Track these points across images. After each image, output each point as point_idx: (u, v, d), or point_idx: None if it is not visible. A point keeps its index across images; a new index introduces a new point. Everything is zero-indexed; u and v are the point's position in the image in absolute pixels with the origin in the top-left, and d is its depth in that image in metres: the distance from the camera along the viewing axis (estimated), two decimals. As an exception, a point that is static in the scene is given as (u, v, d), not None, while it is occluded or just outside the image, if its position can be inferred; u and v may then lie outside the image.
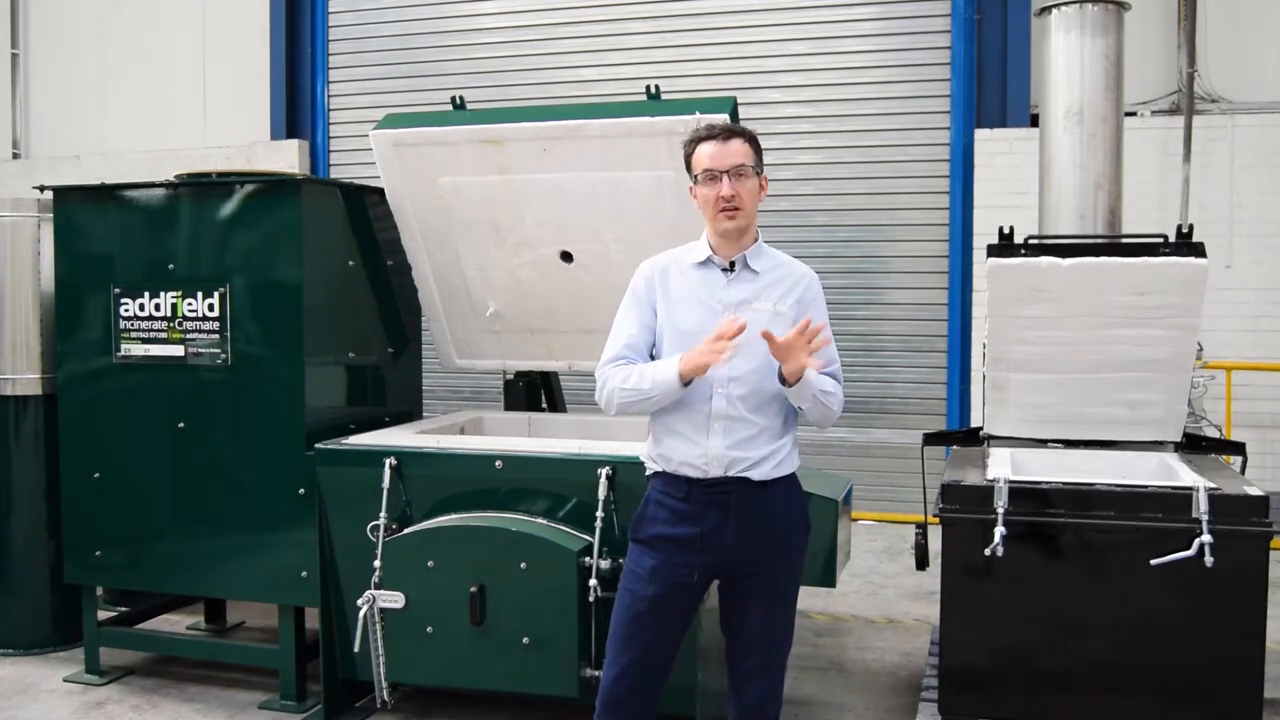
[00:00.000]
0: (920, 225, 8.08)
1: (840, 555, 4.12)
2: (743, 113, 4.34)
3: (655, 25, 8.54)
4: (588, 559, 3.78)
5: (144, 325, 4.55)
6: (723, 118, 4.07)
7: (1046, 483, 3.75)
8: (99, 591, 4.89)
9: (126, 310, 4.57)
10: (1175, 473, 3.88)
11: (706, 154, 3.04)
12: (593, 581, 3.73)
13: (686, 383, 2.96)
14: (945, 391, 8.08)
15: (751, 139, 3.09)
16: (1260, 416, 7.26)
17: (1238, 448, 4.42)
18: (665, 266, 3.16)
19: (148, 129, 9.93)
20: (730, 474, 3.00)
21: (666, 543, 3.06)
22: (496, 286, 4.89)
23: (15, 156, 10.46)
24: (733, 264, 3.09)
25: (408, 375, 5.15)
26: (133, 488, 4.60)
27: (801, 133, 8.30)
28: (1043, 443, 4.44)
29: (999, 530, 3.57)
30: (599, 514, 3.78)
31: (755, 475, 3.01)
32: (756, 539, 3.04)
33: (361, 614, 3.97)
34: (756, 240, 3.12)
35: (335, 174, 9.29)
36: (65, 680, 4.82)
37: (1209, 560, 3.41)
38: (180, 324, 4.49)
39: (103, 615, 4.93)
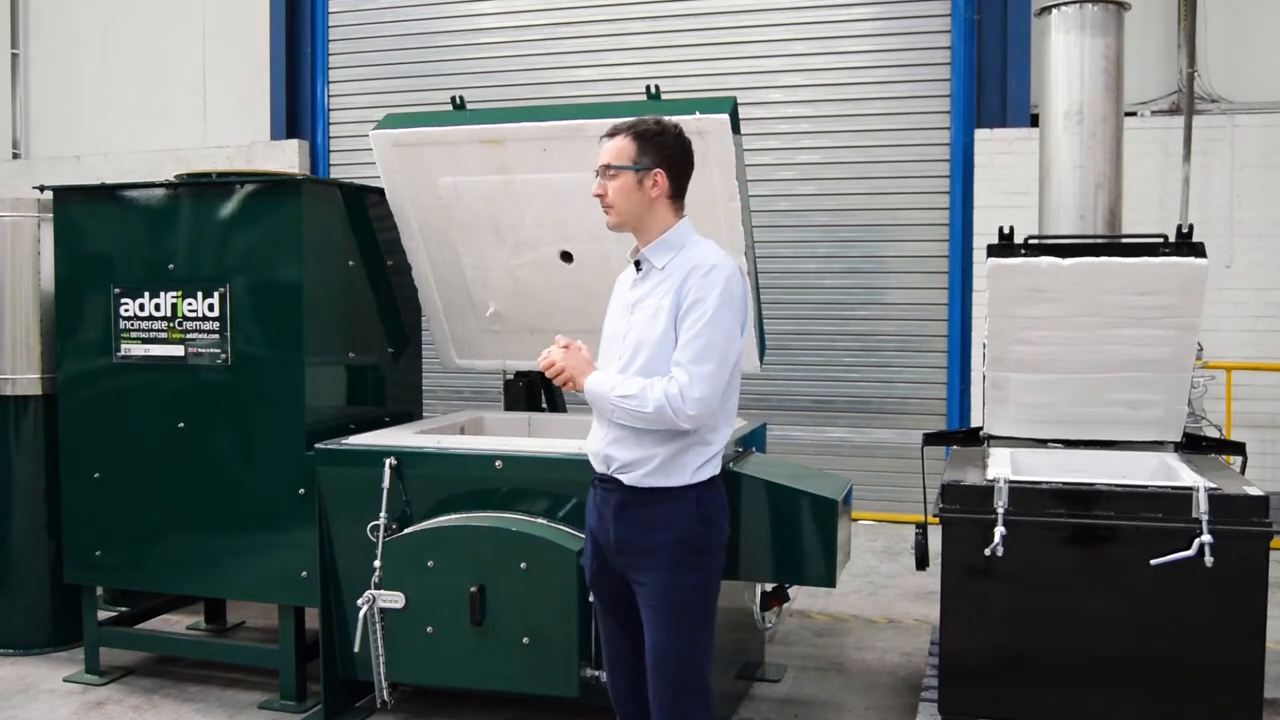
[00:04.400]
0: (920, 225, 8.08)
1: (840, 555, 4.11)
2: (743, 113, 4.33)
3: (655, 25, 8.53)
4: (587, 559, 3.78)
5: (144, 325, 4.55)
6: (723, 117, 4.09)
7: (1046, 483, 3.75)
8: (99, 591, 4.89)
9: (126, 310, 4.57)
10: (1175, 473, 3.88)
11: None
12: (592, 581, 3.73)
13: None
14: (945, 391, 8.08)
15: (639, 135, 2.97)
16: (1260, 416, 7.26)
17: (1238, 448, 4.42)
18: (622, 275, 3.23)
19: (148, 129, 9.93)
20: (610, 472, 3.03)
21: (588, 532, 3.18)
22: (496, 286, 4.89)
23: (15, 156, 10.46)
24: (638, 263, 3.07)
25: (408, 375, 5.15)
26: (133, 488, 4.60)
27: (801, 133, 8.30)
28: (1043, 443, 4.44)
29: (999, 530, 3.57)
30: (599, 514, 3.78)
31: (626, 479, 2.98)
32: (632, 546, 3.00)
33: (361, 614, 3.96)
34: (662, 235, 3.01)
35: (335, 174, 9.29)
36: (65, 680, 4.82)
37: (1209, 560, 3.42)
38: (180, 324, 4.49)
39: (103, 615, 4.93)
